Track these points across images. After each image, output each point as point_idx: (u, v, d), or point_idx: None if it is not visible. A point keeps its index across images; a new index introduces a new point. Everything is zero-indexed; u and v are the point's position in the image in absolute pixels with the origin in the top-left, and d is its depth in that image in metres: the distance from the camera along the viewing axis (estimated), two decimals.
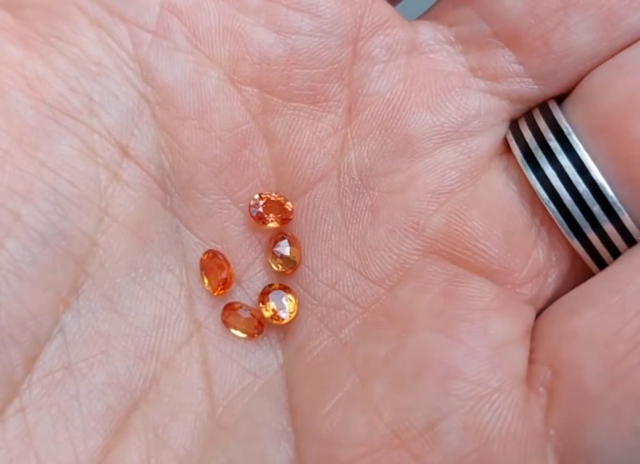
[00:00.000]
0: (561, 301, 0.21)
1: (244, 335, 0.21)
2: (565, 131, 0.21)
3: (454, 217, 0.21)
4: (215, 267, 0.21)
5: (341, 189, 0.22)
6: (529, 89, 0.22)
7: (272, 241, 0.22)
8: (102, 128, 0.21)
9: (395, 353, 0.20)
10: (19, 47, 0.20)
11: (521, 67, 0.22)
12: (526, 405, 0.19)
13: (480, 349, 0.20)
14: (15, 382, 0.19)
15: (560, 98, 0.22)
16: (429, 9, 0.23)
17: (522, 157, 0.21)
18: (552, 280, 0.21)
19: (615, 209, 0.20)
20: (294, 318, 0.21)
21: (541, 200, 0.21)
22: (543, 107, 0.22)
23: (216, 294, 0.21)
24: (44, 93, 0.20)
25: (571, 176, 0.21)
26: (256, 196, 0.21)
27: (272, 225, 0.21)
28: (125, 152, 0.21)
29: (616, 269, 0.20)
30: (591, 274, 0.21)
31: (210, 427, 0.21)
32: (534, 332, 0.21)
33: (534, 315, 0.21)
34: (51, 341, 0.20)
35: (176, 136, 0.21)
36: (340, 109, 0.22)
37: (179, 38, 0.21)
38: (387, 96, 0.22)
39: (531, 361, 0.20)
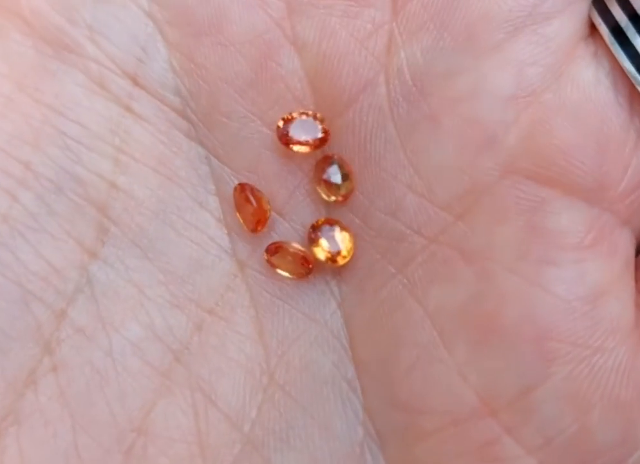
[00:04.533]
0: None
1: (292, 276, 0.19)
2: None
3: (537, 127, 0.17)
4: (245, 203, 0.18)
5: (392, 97, 0.18)
6: None
7: (319, 166, 0.18)
8: (106, 59, 0.19)
9: (474, 303, 0.18)
10: None
11: None
12: (633, 364, 0.17)
13: (576, 303, 0.17)
14: (43, 341, 0.18)
15: None
16: None
17: (612, 39, 0.17)
18: None
19: None
20: (351, 257, 0.18)
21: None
22: None
23: (252, 231, 0.19)
24: (42, 30, 0.19)
25: None
26: (281, 121, 0.18)
27: (302, 149, 0.18)
28: (135, 81, 0.19)
29: None
30: None
31: (264, 384, 0.19)
32: None
33: (632, 240, 0.18)
34: (78, 295, 0.18)
35: (192, 56, 0.19)
36: (380, 1, 0.18)
37: None
38: None
39: None
